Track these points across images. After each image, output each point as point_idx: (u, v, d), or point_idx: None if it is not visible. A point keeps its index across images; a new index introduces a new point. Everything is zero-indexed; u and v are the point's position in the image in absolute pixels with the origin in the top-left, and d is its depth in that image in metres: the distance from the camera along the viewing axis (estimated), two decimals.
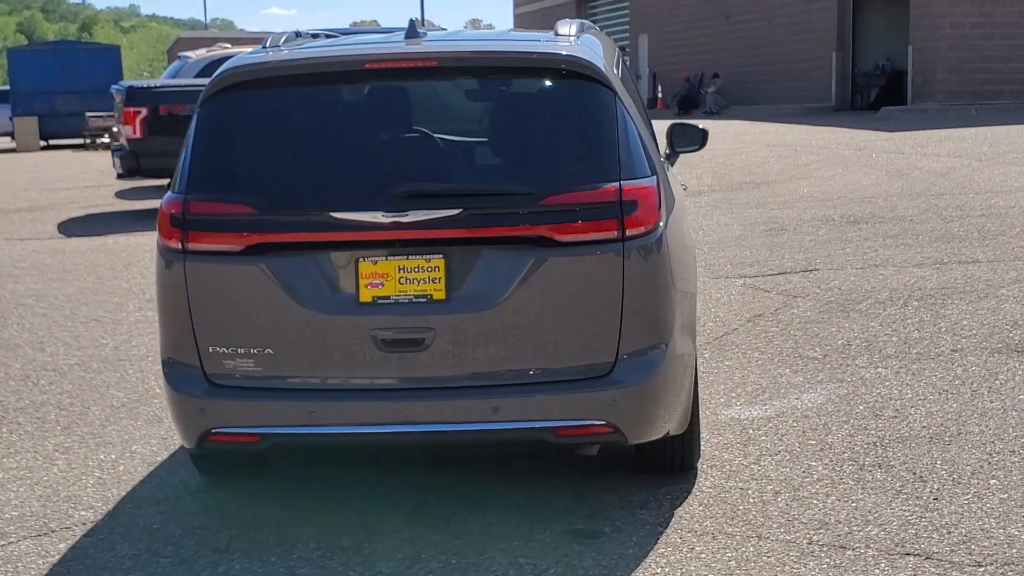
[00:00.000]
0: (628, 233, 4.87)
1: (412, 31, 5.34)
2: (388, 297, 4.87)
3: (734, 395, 7.03)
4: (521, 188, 4.86)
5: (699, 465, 5.87)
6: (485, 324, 4.85)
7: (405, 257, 4.87)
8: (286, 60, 5.10)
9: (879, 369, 7.42)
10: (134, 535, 5.25)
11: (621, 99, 5.05)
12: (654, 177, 5.03)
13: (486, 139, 5.10)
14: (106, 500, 5.68)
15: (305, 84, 5.07)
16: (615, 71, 5.34)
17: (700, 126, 7.63)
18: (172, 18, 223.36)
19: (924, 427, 6.31)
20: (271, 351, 4.90)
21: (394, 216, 4.81)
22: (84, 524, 5.40)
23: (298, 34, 5.80)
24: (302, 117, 5.07)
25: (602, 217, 4.84)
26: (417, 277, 4.86)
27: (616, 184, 4.88)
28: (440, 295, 4.86)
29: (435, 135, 5.06)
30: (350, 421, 4.90)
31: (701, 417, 6.51)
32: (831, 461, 5.87)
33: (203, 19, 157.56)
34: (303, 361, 4.90)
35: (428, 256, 4.86)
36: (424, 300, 4.86)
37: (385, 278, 4.86)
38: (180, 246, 4.96)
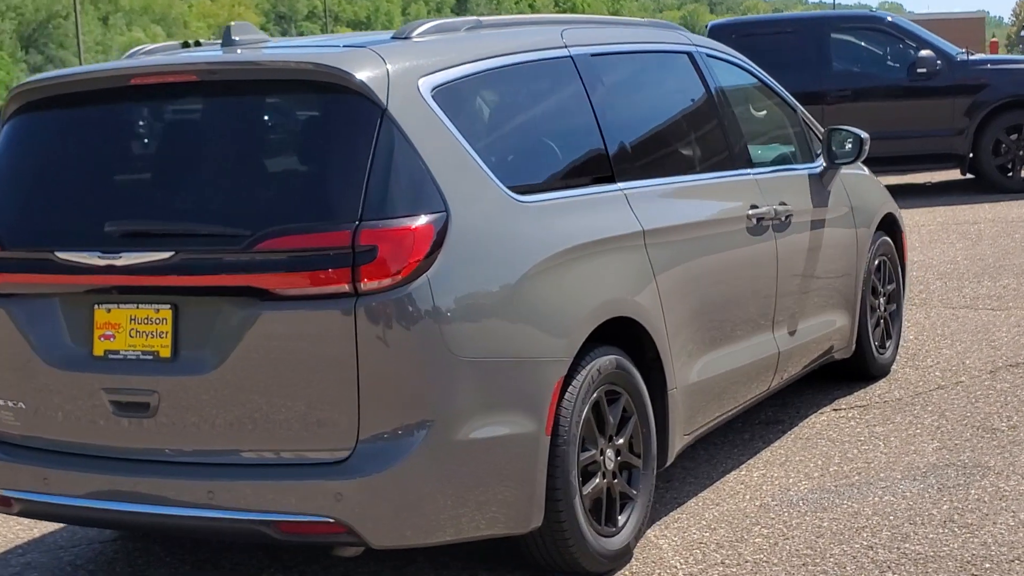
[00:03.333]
0: (363, 287, 3.89)
1: (227, 38, 4.59)
2: (118, 352, 4.23)
3: (818, 474, 5.62)
4: (236, 229, 4.03)
5: (629, 568, 4.70)
6: (206, 391, 4.08)
7: (135, 306, 4.20)
8: (56, 77, 4.56)
9: None
10: None
11: (394, 117, 4.03)
12: (433, 216, 4.00)
13: (221, 169, 4.27)
14: (14, 540, 5.43)
15: (76, 104, 4.50)
16: (435, 87, 4.25)
17: (858, 132, 6.21)
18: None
19: (984, 545, 4.71)
20: (23, 405, 4.41)
21: (109, 258, 4.15)
22: None
23: (186, 44, 5.16)
24: (63, 141, 4.52)
25: (329, 266, 3.91)
26: (146, 330, 4.18)
27: (351, 226, 3.91)
28: (166, 352, 4.14)
29: (172, 163, 4.32)
30: (76, 493, 4.30)
31: (730, 503, 5.25)
32: None
33: (870, 4, 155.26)
34: (44, 420, 4.38)
35: (157, 306, 4.17)
36: (151, 358, 4.17)
37: (117, 329, 4.23)
38: None
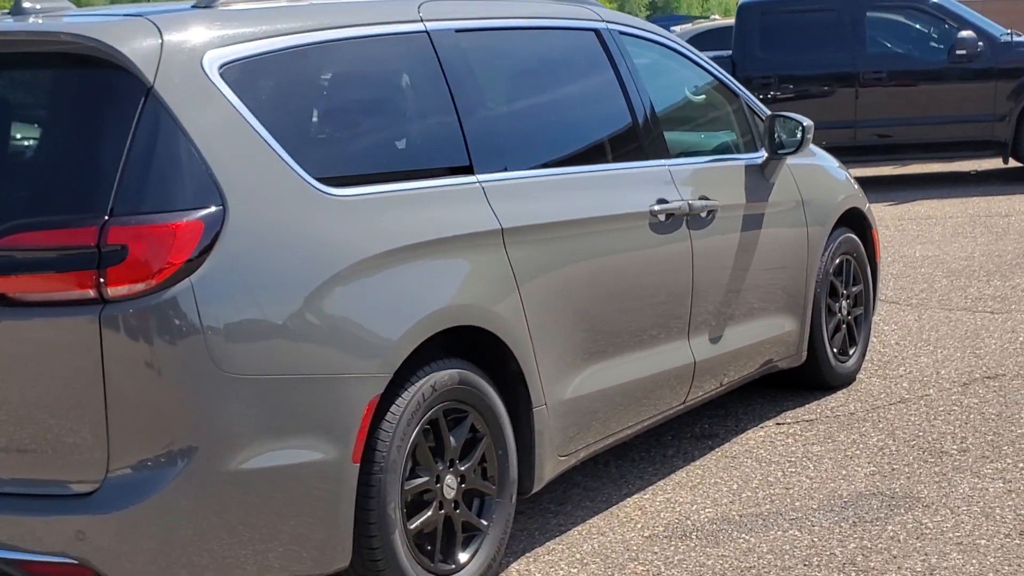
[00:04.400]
0: (110, 293, 3.39)
1: (17, 6, 4.07)
2: None
3: (727, 500, 5.07)
4: None
5: None
6: None
7: None
8: None
9: (994, 484, 5.03)
10: None
11: (161, 97, 3.53)
12: (204, 211, 3.49)
13: None
14: None
15: None
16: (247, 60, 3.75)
17: (801, 118, 5.63)
18: None
19: None
20: None
21: None
22: None
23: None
24: None
25: (70, 268, 3.41)
26: None
27: (98, 222, 3.41)
28: None
29: None
30: None
31: (617, 532, 4.72)
32: None
33: None
34: None
35: None
36: None
37: None
38: None
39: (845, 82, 13.95)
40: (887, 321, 7.86)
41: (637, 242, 4.94)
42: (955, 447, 5.50)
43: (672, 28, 18.40)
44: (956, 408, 6.05)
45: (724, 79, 5.90)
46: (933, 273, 9.36)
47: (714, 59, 14.25)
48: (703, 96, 5.94)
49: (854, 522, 4.73)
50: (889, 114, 13.79)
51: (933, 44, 14.00)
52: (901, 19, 14.13)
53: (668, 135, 5.40)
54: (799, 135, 5.75)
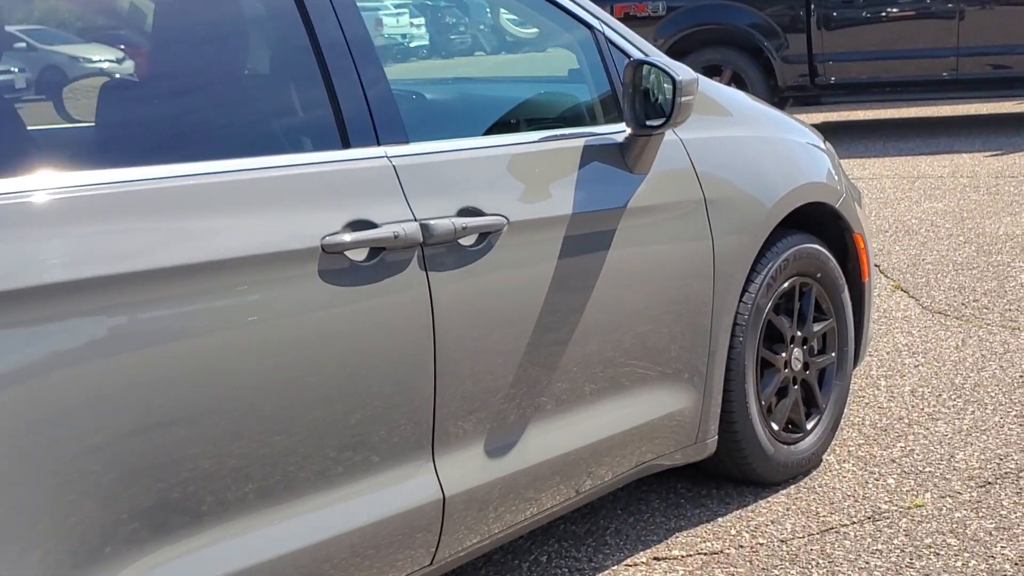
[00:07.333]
0: None
1: None
2: None
3: None
4: None
5: None
6: None
7: None
8: None
9: None
10: None
11: None
12: None
13: None
14: None
15: None
16: None
17: (673, 70, 3.32)
18: None
19: None
20: None
21: None
22: None
23: None
24: None
25: None
26: None
27: None
28: None
29: None
30: None
31: None
32: None
33: None
34: None
35: None
36: None
37: None
38: None
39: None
40: (913, 349, 5.45)
41: (285, 306, 2.68)
42: None
43: None
44: (952, 540, 3.70)
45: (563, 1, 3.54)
46: (1012, 263, 6.84)
47: None
48: (515, 30, 3.60)
49: None
50: (1004, 39, 11.13)
51: None
52: None
53: (417, 100, 3.12)
54: (669, 97, 3.40)
